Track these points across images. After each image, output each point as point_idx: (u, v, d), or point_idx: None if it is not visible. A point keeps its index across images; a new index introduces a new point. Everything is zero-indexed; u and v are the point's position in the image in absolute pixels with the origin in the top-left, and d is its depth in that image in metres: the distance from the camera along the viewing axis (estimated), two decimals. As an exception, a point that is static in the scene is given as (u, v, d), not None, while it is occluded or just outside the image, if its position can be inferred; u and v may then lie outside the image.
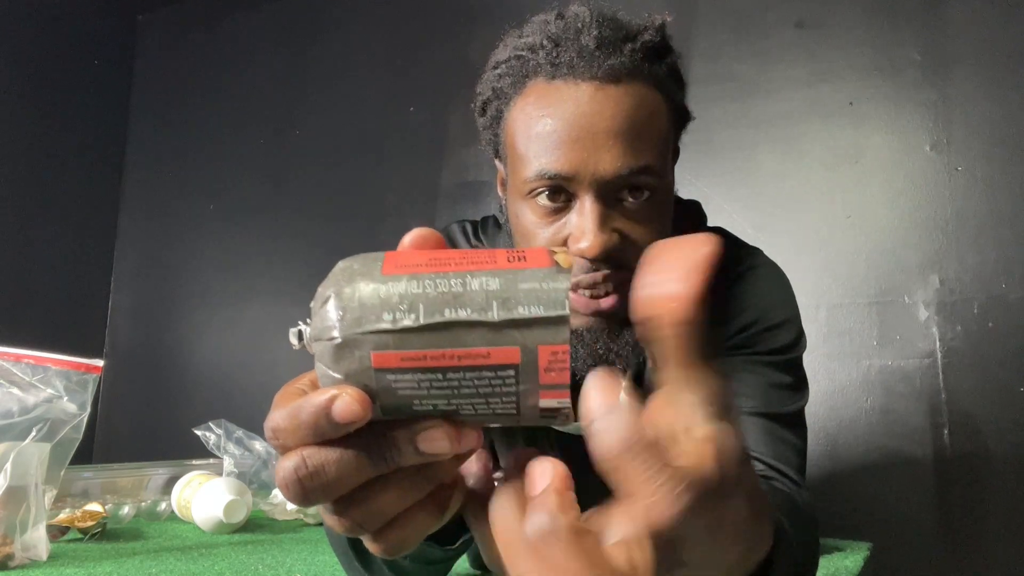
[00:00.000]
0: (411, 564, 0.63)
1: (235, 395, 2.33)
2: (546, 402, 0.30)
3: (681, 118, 0.77)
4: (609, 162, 0.66)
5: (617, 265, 0.68)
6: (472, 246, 0.87)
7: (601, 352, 0.70)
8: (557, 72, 0.69)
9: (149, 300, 2.59)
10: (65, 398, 0.85)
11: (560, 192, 0.68)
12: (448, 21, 2.17)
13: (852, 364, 1.54)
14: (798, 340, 0.80)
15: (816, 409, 1.56)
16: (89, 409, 0.87)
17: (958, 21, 1.55)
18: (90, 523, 1.00)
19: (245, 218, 2.43)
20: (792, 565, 0.49)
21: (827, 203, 1.61)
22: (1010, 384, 1.42)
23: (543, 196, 0.69)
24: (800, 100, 1.67)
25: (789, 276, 1.00)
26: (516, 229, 0.74)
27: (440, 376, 0.29)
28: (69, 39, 2.56)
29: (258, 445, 1.31)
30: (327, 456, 0.29)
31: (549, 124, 0.67)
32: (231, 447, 1.28)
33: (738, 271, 0.82)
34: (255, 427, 1.35)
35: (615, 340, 0.70)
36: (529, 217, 0.71)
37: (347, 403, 0.28)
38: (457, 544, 0.62)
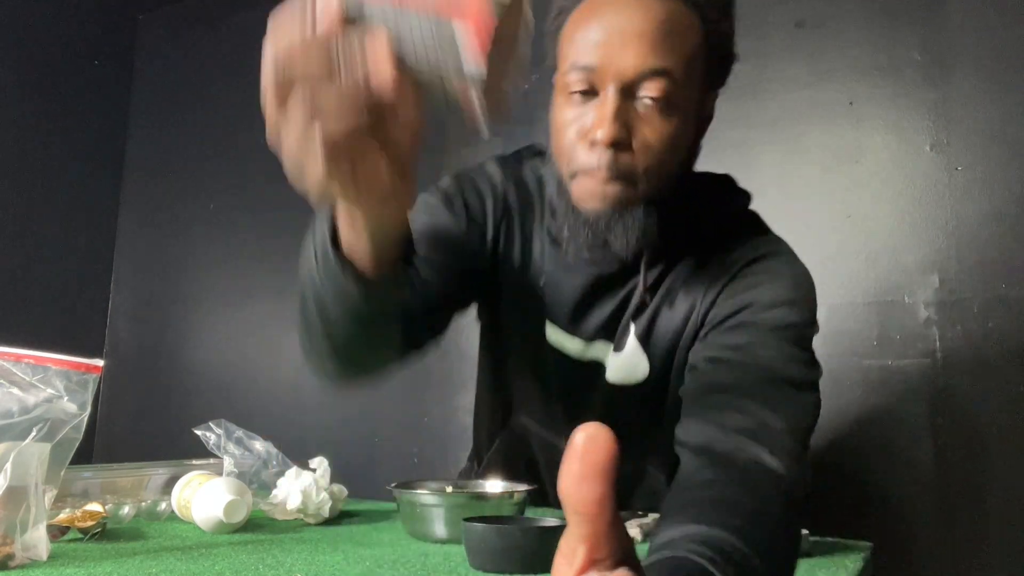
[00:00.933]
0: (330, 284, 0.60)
1: (235, 395, 2.33)
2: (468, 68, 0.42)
3: (721, 45, 0.86)
4: (630, 59, 0.75)
5: (623, 155, 0.76)
6: (504, 178, 0.98)
7: (604, 235, 0.78)
8: None
9: (149, 300, 2.59)
10: (65, 398, 0.85)
11: (589, 87, 0.77)
12: (448, 21, 2.17)
13: (852, 364, 1.54)
14: (811, 321, 0.82)
15: (816, 409, 1.56)
16: (89, 409, 0.87)
17: (958, 21, 1.55)
18: (90, 523, 1.00)
19: (245, 218, 2.43)
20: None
21: (827, 203, 1.61)
22: (1010, 384, 1.42)
23: (576, 91, 0.78)
24: (800, 100, 1.67)
25: None
26: (552, 128, 0.84)
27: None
28: (69, 39, 2.57)
29: (258, 445, 1.31)
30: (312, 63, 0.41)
31: (589, 27, 0.77)
32: (231, 447, 1.27)
33: (760, 253, 0.87)
34: (255, 427, 1.35)
35: (616, 225, 0.78)
36: (563, 111, 0.81)
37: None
38: (376, 279, 0.57)
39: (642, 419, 0.92)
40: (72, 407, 0.86)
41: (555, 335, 0.91)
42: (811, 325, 0.81)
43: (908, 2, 1.60)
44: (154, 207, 2.65)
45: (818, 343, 1.55)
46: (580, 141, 0.79)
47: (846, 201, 1.60)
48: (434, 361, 1.72)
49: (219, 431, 1.29)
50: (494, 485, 1.14)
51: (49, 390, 0.86)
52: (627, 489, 1.00)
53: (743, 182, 1.69)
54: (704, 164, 1.74)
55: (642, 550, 0.65)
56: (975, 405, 1.44)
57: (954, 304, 1.48)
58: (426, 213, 0.90)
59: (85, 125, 2.62)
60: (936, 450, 1.46)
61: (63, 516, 1.00)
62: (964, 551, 1.41)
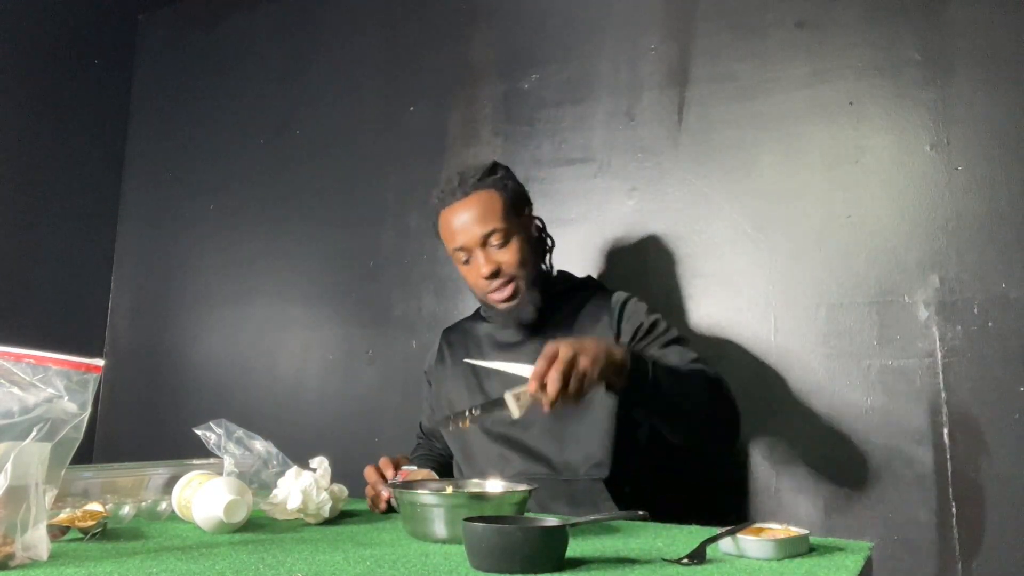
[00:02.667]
0: None
1: (235, 395, 2.33)
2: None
3: (519, 197, 1.47)
4: (477, 233, 1.41)
5: (499, 276, 1.41)
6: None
7: (515, 314, 1.43)
8: (445, 203, 1.45)
9: (149, 300, 2.59)
10: (65, 398, 0.85)
11: (468, 255, 1.43)
12: (448, 21, 2.17)
13: (852, 364, 1.54)
14: (667, 325, 1.43)
15: (816, 409, 1.56)
16: (89, 409, 0.87)
17: (958, 21, 1.55)
18: (90, 523, 1.00)
19: (245, 218, 2.43)
20: (647, 370, 1.17)
21: (827, 203, 1.61)
22: (1010, 384, 1.42)
23: (463, 260, 1.44)
24: (800, 100, 1.67)
25: (789, 276, 1.64)
26: (466, 280, 1.48)
27: None
28: (69, 39, 2.57)
29: (258, 445, 1.31)
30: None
31: (451, 225, 1.43)
32: (231, 447, 1.28)
33: (614, 302, 1.46)
34: (255, 427, 1.35)
35: (518, 306, 1.43)
36: (464, 269, 1.46)
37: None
38: None
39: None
40: (72, 407, 0.86)
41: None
42: (668, 326, 1.44)
43: (908, 2, 1.60)
44: (154, 207, 2.65)
45: (818, 343, 1.56)
46: (478, 280, 1.43)
47: (846, 201, 1.60)
48: (434, 361, 1.72)
49: (219, 431, 1.29)
50: (494, 485, 1.14)
51: (49, 390, 0.86)
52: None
53: (743, 182, 1.70)
54: (704, 164, 1.76)
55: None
56: (975, 405, 1.44)
57: (954, 304, 1.48)
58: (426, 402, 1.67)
59: (85, 125, 2.62)
60: (936, 450, 1.46)
61: (63, 516, 1.00)
62: (964, 551, 1.41)
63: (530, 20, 2.04)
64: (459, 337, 1.60)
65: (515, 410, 1.07)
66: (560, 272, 1.59)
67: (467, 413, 1.12)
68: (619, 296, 1.47)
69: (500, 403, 1.09)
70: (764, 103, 1.70)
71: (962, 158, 1.52)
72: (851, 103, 1.62)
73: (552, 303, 1.47)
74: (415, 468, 1.32)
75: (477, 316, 1.60)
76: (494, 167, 1.46)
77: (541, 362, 1.06)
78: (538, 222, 1.53)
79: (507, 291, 1.41)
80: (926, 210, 1.53)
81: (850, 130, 1.61)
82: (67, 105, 2.55)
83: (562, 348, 1.06)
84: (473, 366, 1.51)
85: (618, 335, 1.40)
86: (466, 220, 1.40)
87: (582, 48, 1.95)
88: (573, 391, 1.05)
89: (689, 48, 1.81)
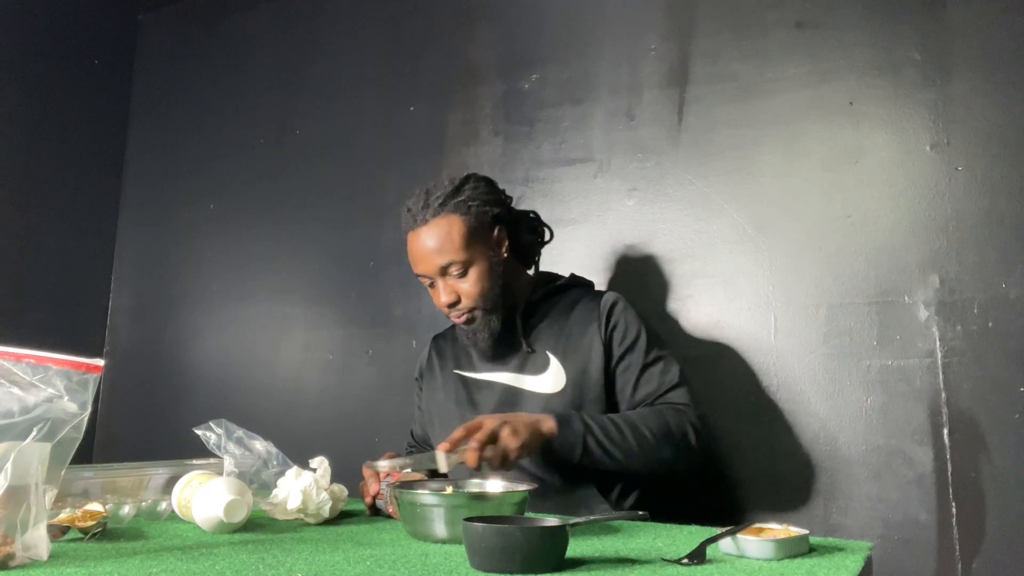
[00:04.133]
0: None
1: (235, 395, 2.33)
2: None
3: (479, 217, 1.42)
4: (435, 264, 1.40)
5: (458, 304, 1.43)
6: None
7: (473, 337, 1.45)
8: (409, 226, 1.44)
9: (149, 300, 2.59)
10: (65, 398, 0.85)
11: (430, 281, 1.44)
12: (448, 21, 2.17)
13: (852, 364, 1.54)
14: (650, 339, 1.43)
15: (816, 409, 1.56)
16: (89, 409, 0.87)
17: (958, 21, 1.55)
18: (90, 523, 1.00)
19: (245, 218, 2.43)
20: (576, 443, 1.26)
21: (827, 203, 1.61)
22: (1010, 384, 1.42)
23: (427, 284, 1.45)
24: (800, 100, 1.67)
25: (789, 276, 1.64)
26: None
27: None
28: (69, 39, 2.57)
29: (258, 445, 1.31)
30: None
31: (413, 252, 1.43)
32: (231, 447, 1.28)
33: (603, 304, 1.46)
34: (255, 427, 1.35)
35: (476, 330, 1.44)
36: (430, 291, 1.46)
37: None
38: None
39: None
40: (72, 407, 0.86)
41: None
42: (651, 341, 1.45)
43: (908, 2, 1.60)
44: (154, 207, 2.65)
45: (818, 343, 1.56)
46: (439, 305, 1.45)
47: (846, 201, 1.60)
48: (434, 361, 1.72)
49: (219, 431, 1.29)
50: (494, 485, 1.14)
51: (49, 390, 0.86)
52: None
53: (743, 182, 1.70)
54: (704, 164, 1.76)
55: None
56: (975, 405, 1.44)
57: (954, 304, 1.48)
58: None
59: (85, 125, 2.62)
60: (936, 450, 1.46)
61: (63, 516, 1.00)
62: (964, 551, 1.41)
63: (530, 20, 2.04)
64: (448, 345, 1.60)
65: (443, 465, 1.17)
66: (542, 273, 1.58)
67: (399, 469, 1.21)
68: (608, 298, 1.46)
69: (431, 458, 1.18)
70: (764, 103, 1.70)
71: (962, 158, 1.52)
72: (851, 103, 1.62)
73: (537, 309, 1.49)
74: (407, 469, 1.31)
75: None
76: (460, 186, 1.43)
77: (460, 430, 1.18)
78: (531, 215, 1.54)
79: (466, 318, 1.43)
80: (926, 210, 1.53)
81: (850, 130, 1.61)
82: (67, 105, 2.55)
83: (487, 421, 1.19)
84: (463, 378, 1.52)
85: (607, 339, 1.42)
86: (425, 249, 1.40)
87: (582, 48, 1.95)
88: (494, 463, 1.18)
89: (689, 48, 1.81)
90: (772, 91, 1.70)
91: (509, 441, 1.18)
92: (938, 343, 1.48)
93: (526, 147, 1.98)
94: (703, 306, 1.70)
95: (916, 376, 1.49)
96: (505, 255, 1.47)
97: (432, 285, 1.43)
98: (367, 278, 2.17)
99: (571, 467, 1.30)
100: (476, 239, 1.41)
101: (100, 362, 0.89)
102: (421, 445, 1.65)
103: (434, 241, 1.39)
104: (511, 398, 1.43)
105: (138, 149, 2.74)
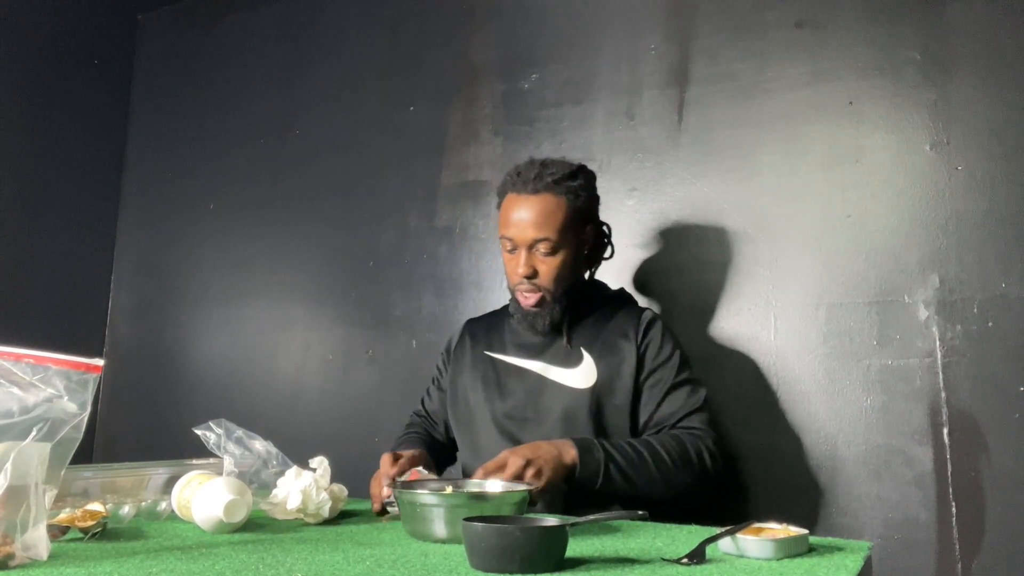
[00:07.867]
0: None
1: (235, 395, 2.33)
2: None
3: (581, 210, 1.46)
4: (528, 234, 1.42)
5: (533, 279, 1.44)
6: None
7: (532, 319, 1.47)
8: (515, 188, 1.46)
9: (149, 300, 2.59)
10: (65, 398, 0.85)
11: (512, 246, 1.45)
12: (448, 21, 2.17)
13: (852, 364, 1.54)
14: (682, 360, 1.45)
15: (816, 409, 1.56)
16: (89, 409, 0.87)
17: (958, 21, 1.55)
18: (90, 523, 1.00)
19: (245, 218, 2.43)
20: (598, 471, 1.27)
21: (827, 203, 1.61)
22: (1010, 384, 1.42)
23: (507, 248, 1.46)
24: (800, 100, 1.67)
25: (789, 276, 1.65)
26: (504, 263, 1.50)
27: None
28: (69, 39, 2.57)
29: (258, 445, 1.31)
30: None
31: (508, 214, 1.45)
32: (231, 447, 1.28)
33: (642, 320, 1.49)
34: (255, 427, 1.35)
35: (538, 314, 1.46)
36: (505, 256, 1.48)
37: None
38: None
39: None
40: (72, 407, 0.86)
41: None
42: (683, 362, 1.47)
43: (908, 2, 1.60)
44: (154, 207, 2.65)
45: (818, 343, 1.56)
46: (513, 273, 1.46)
47: (846, 201, 1.60)
48: (433, 362, 1.72)
49: (219, 431, 1.29)
50: (494, 485, 1.15)
51: (49, 390, 0.86)
52: None
53: (743, 182, 1.70)
54: (704, 164, 1.76)
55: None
56: (975, 405, 1.44)
57: (954, 304, 1.48)
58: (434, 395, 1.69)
59: (85, 125, 2.62)
60: (936, 450, 1.46)
61: (63, 516, 1.00)
62: (964, 551, 1.41)
63: (530, 20, 2.04)
64: (483, 330, 1.61)
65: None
66: (596, 281, 1.59)
67: (394, 483, 1.20)
68: (647, 315, 1.49)
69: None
70: (764, 103, 1.70)
71: (962, 158, 1.52)
72: (851, 103, 1.62)
73: (582, 311, 1.50)
74: (423, 470, 1.30)
75: (504, 312, 1.60)
76: (577, 172, 1.46)
77: (492, 464, 1.21)
78: (605, 228, 1.55)
79: (534, 298, 1.44)
80: (926, 210, 1.53)
81: (850, 130, 1.61)
82: (67, 105, 2.55)
83: (511, 460, 1.20)
84: (493, 360, 1.53)
85: (641, 353, 1.44)
86: (524, 217, 1.41)
87: (582, 48, 1.95)
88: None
89: (689, 48, 1.81)
90: (772, 91, 1.70)
91: (534, 479, 1.19)
92: (938, 343, 1.48)
93: (526, 147, 1.98)
94: (703, 306, 1.70)
95: (916, 376, 1.49)
96: (586, 252, 1.50)
97: (512, 251, 1.44)
98: (367, 278, 2.17)
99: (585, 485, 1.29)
100: (573, 227, 1.43)
101: (100, 362, 0.89)
102: (428, 417, 1.65)
103: (537, 213, 1.40)
104: (539, 386, 1.46)
105: (138, 149, 2.74)
